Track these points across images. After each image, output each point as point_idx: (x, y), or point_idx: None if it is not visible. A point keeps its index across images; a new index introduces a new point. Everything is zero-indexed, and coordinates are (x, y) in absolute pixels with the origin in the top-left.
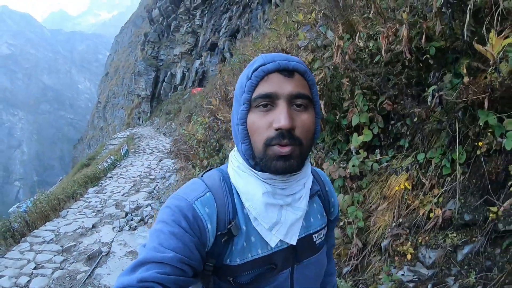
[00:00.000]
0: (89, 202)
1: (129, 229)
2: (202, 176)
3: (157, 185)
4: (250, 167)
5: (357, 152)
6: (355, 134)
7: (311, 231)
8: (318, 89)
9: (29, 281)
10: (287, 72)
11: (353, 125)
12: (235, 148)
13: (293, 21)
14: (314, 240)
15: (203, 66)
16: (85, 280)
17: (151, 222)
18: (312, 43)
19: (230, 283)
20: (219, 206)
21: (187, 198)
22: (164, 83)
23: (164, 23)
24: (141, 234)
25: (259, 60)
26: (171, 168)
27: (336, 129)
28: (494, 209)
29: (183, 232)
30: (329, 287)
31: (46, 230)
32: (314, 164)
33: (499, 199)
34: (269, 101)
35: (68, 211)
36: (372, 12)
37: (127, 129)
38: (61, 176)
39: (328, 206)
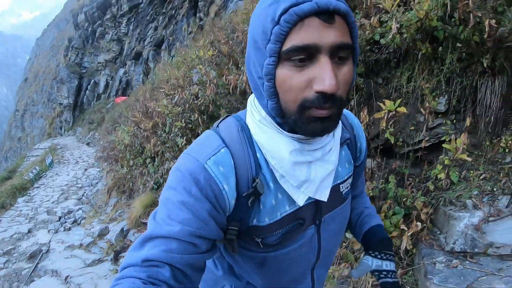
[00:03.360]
0: (20, 210)
1: (64, 230)
2: (218, 126)
3: (85, 192)
4: (275, 124)
5: None
6: None
7: (338, 181)
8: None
9: None
10: (327, 15)
11: None
12: (254, 96)
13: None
14: (341, 190)
15: (127, 75)
16: (31, 273)
17: (84, 223)
18: (199, 79)
19: (258, 245)
20: (238, 162)
21: (198, 158)
22: (87, 92)
23: (90, 29)
24: (76, 232)
25: None
26: (97, 176)
27: None
28: None
29: (194, 200)
30: (367, 211)
31: None
32: None
33: None
34: (307, 54)
35: (0, 220)
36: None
37: (49, 140)
38: None
39: (355, 152)
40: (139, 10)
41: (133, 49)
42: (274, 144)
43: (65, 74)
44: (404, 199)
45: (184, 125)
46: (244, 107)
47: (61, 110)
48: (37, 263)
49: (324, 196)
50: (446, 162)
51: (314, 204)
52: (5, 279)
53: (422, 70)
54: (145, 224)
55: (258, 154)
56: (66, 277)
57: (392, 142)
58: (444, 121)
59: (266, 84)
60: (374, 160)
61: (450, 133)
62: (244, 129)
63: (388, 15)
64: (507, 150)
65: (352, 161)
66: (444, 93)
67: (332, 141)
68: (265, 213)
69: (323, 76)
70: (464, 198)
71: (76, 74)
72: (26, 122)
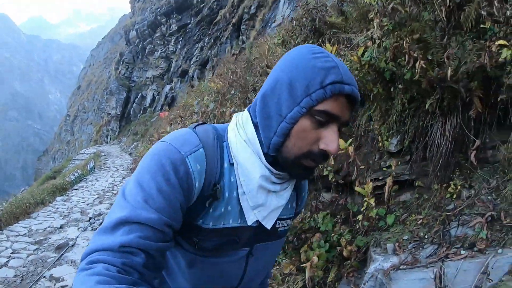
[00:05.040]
0: (57, 208)
1: (92, 230)
2: (194, 128)
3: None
4: (259, 150)
5: None
6: None
7: (279, 210)
8: None
9: (7, 261)
10: (352, 100)
11: None
12: (244, 114)
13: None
14: (277, 226)
15: (172, 91)
16: (55, 262)
17: None
18: (199, 110)
19: (193, 245)
20: (208, 165)
21: (180, 150)
22: (134, 104)
23: (140, 45)
24: None
25: (336, 72)
26: None
27: None
28: None
29: (171, 189)
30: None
31: (19, 227)
32: None
33: None
34: (327, 119)
35: (38, 214)
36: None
37: (95, 146)
38: (23, 187)
39: (299, 198)
40: (187, 30)
41: (180, 67)
42: (250, 164)
43: (114, 86)
44: (332, 234)
45: None
46: None
47: (109, 119)
48: (62, 254)
49: (268, 225)
50: (367, 204)
51: (252, 230)
52: (32, 263)
53: (380, 109)
54: None
55: (225, 164)
56: None
57: (330, 179)
58: (397, 162)
59: (284, 125)
60: (320, 196)
61: (393, 175)
62: (219, 138)
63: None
64: (454, 196)
65: (294, 205)
66: (395, 134)
67: (289, 181)
68: (212, 217)
69: (331, 140)
70: (391, 241)
71: (125, 87)
72: (76, 127)
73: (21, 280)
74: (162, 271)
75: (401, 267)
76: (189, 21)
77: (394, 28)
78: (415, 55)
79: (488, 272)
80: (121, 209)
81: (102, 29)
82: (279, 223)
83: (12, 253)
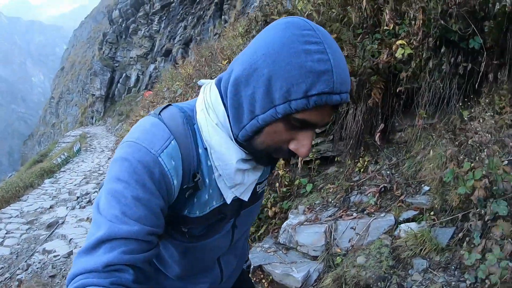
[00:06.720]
0: (46, 190)
1: (79, 208)
2: (159, 114)
3: (104, 177)
4: (231, 134)
5: None
6: None
7: (256, 182)
8: None
9: (3, 241)
10: (339, 105)
11: None
12: (212, 91)
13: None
14: (257, 190)
15: (156, 70)
16: (46, 238)
17: None
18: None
19: (184, 234)
20: (184, 156)
21: (150, 149)
22: (119, 84)
23: (123, 24)
24: (89, 210)
25: (328, 79)
26: None
27: None
28: None
29: (149, 195)
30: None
31: (11, 209)
32: None
33: None
34: (306, 127)
35: (28, 196)
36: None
37: (80, 128)
38: (10, 173)
39: None
40: (170, 9)
41: (164, 46)
42: (225, 149)
43: (98, 66)
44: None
45: None
46: None
47: (93, 100)
48: (53, 231)
49: (246, 197)
50: (281, 173)
51: (235, 202)
52: (25, 241)
53: None
54: None
55: (200, 150)
56: (70, 239)
57: None
58: (324, 140)
59: (255, 123)
60: None
61: (314, 152)
62: (189, 121)
63: None
64: (362, 170)
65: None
66: None
67: None
68: (198, 206)
69: (303, 144)
70: (305, 205)
71: (109, 67)
72: (61, 109)
73: (17, 256)
74: (152, 280)
75: (305, 223)
76: (172, 0)
77: None
78: None
79: (365, 234)
80: (98, 227)
81: (84, 9)
82: (258, 186)
83: (6, 233)
